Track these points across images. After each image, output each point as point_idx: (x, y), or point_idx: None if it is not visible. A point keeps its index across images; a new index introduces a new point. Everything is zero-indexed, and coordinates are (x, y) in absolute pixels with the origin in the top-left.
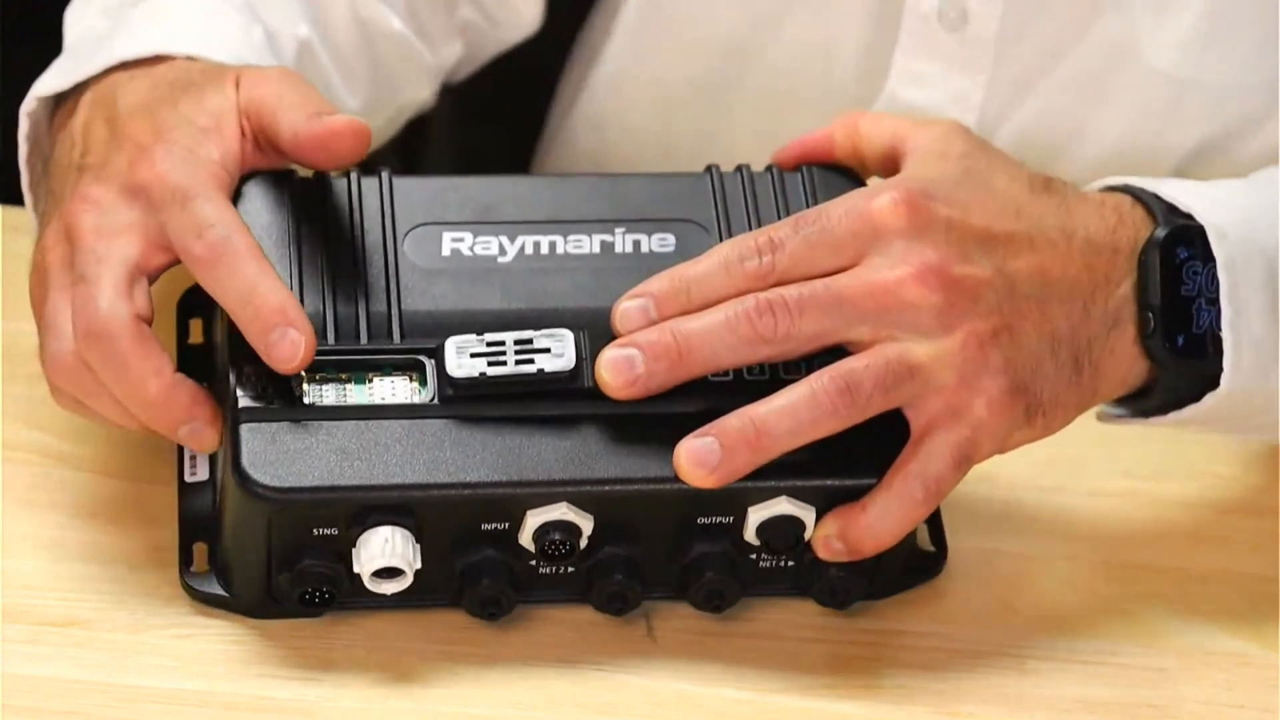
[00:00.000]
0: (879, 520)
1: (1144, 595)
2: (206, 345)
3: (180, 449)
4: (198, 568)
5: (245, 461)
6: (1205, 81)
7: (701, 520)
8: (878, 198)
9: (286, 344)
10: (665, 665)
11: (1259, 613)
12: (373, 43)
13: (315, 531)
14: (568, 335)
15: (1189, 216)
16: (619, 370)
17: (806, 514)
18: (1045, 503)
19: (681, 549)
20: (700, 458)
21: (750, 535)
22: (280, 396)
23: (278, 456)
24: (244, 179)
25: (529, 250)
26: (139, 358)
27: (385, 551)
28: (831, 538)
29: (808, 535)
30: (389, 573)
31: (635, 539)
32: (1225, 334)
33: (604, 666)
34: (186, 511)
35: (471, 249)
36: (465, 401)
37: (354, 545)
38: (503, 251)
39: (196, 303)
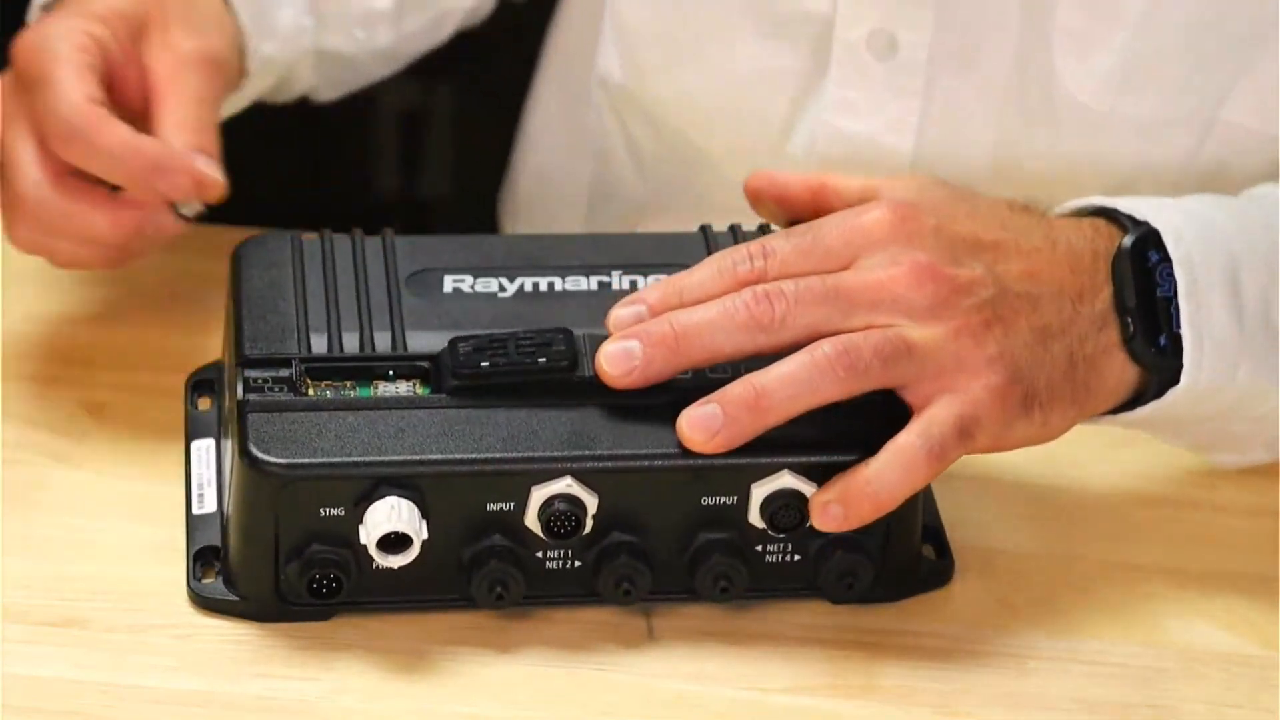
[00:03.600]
0: (878, 477)
1: (1144, 595)
2: (216, 412)
3: (188, 481)
4: (205, 576)
5: (252, 443)
6: (1129, 115)
7: (706, 500)
8: (868, 212)
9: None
10: (665, 665)
11: (1259, 613)
12: None
13: (322, 512)
14: (568, 331)
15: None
16: (617, 361)
17: (810, 490)
18: (1045, 503)
19: (687, 537)
20: (703, 423)
21: (755, 517)
22: (289, 395)
23: (284, 438)
24: (247, 241)
25: (528, 289)
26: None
27: (391, 518)
28: (830, 502)
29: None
30: (396, 543)
31: (641, 524)
32: (1185, 330)
33: (604, 666)
34: (194, 541)
35: (472, 287)
36: (469, 393)
37: (361, 523)
38: (502, 289)
39: (204, 382)
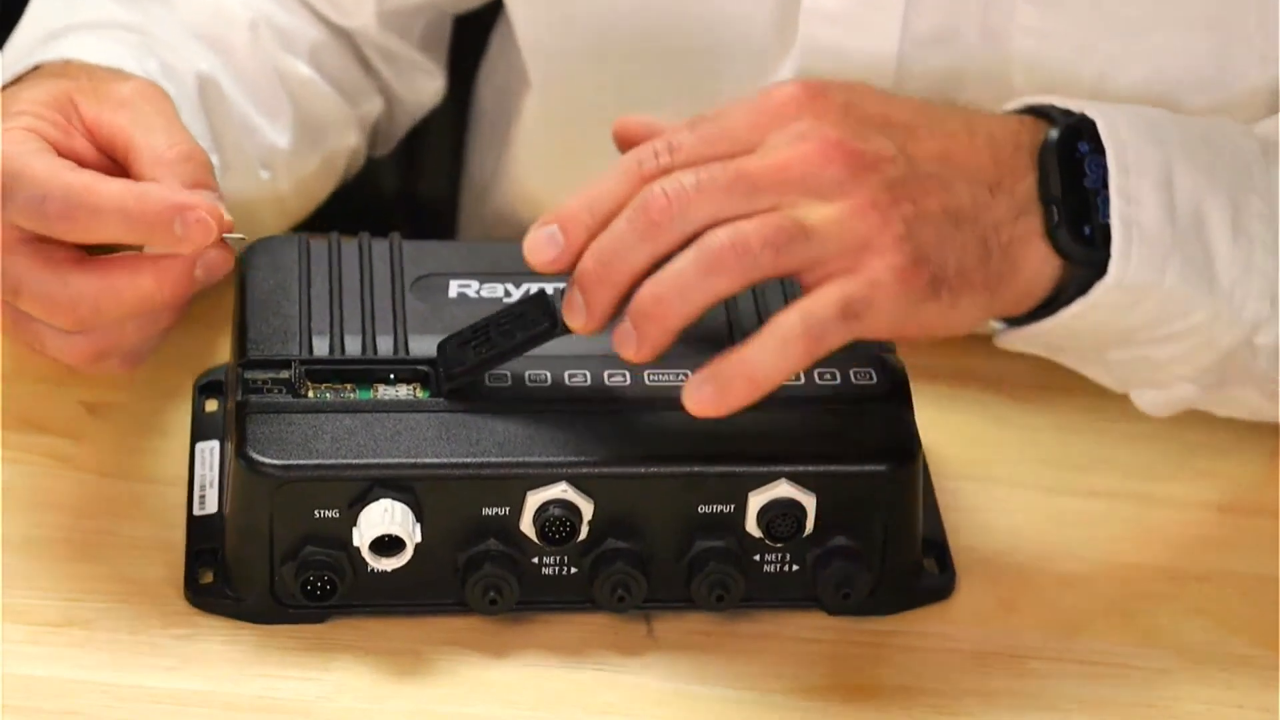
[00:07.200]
0: (753, 354)
1: (1144, 595)
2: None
3: (191, 482)
4: (203, 580)
5: (249, 444)
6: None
7: (703, 508)
8: (776, 90)
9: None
10: (665, 665)
11: (1259, 613)
12: (288, 84)
13: (317, 514)
14: (541, 293)
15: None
16: (537, 249)
17: (807, 499)
18: (1045, 503)
19: (684, 544)
20: (620, 340)
21: (752, 525)
22: (288, 396)
23: (281, 440)
24: (255, 243)
25: (534, 292)
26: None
27: (385, 520)
28: (704, 382)
29: (809, 521)
30: (389, 546)
31: (637, 531)
32: (1114, 219)
33: (604, 666)
34: (194, 541)
35: (478, 292)
36: (468, 396)
37: (355, 525)
38: (508, 294)
39: (213, 384)
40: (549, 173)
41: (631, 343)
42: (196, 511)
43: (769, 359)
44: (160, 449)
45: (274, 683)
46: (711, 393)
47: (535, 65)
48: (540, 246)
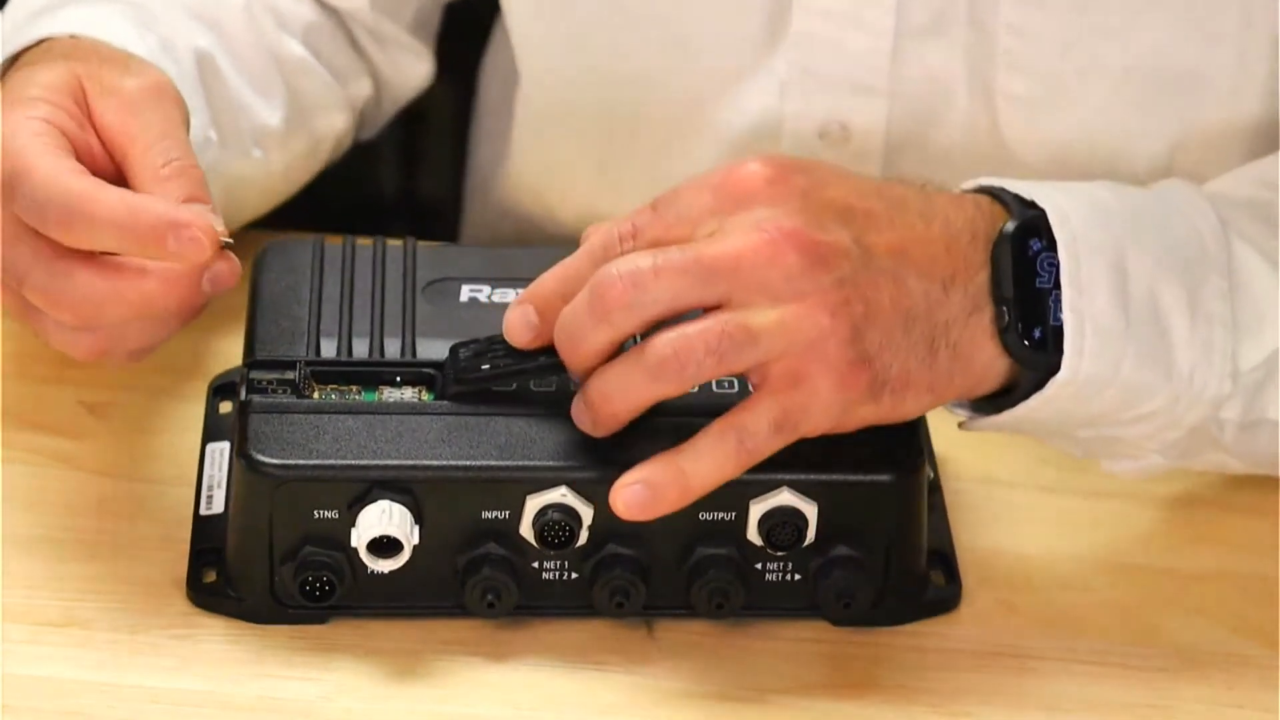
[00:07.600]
0: (689, 465)
1: (1144, 595)
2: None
3: (199, 481)
4: (206, 577)
5: (250, 444)
6: (1081, 177)
7: (704, 516)
8: (738, 169)
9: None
10: (665, 665)
11: (1259, 613)
12: (281, 64)
13: (316, 514)
14: None
15: (1037, 207)
16: (514, 330)
17: (808, 508)
18: (1045, 503)
19: (685, 551)
20: (576, 417)
21: (753, 533)
22: (291, 397)
23: (283, 440)
24: (270, 244)
25: None
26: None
27: (382, 521)
28: (634, 481)
29: (810, 530)
30: (386, 547)
31: (637, 537)
32: (1066, 317)
33: (604, 666)
34: (199, 541)
35: (489, 297)
36: (470, 400)
37: (354, 526)
38: None
39: (227, 385)
40: (544, 165)
41: (586, 423)
42: (203, 511)
43: (704, 470)
44: (161, 449)
45: (274, 683)
46: (643, 496)
47: (524, 54)
48: (517, 328)
